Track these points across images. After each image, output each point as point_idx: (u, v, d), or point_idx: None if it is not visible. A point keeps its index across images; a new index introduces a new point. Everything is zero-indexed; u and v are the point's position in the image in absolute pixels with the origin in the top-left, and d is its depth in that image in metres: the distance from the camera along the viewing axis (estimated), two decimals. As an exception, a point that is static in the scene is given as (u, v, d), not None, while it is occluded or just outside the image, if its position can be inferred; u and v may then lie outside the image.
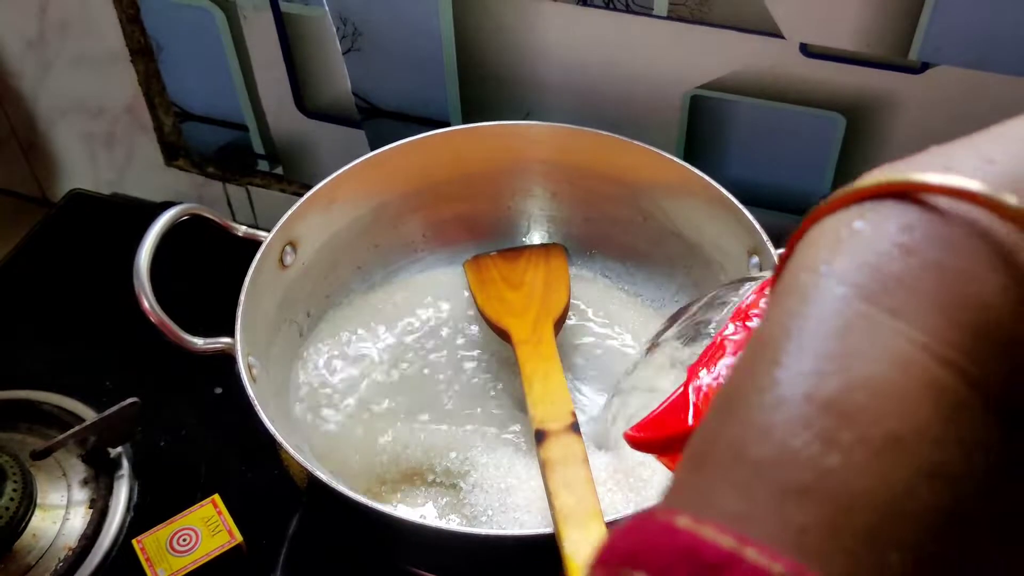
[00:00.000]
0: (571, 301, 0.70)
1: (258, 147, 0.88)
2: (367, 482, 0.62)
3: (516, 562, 0.53)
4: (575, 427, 0.56)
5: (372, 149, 0.81)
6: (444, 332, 0.70)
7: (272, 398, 0.59)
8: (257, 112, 0.85)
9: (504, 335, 0.66)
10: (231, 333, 0.59)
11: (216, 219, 0.63)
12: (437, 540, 0.52)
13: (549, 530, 0.50)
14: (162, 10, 0.80)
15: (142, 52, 0.85)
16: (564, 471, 0.53)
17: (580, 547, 0.48)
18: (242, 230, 0.64)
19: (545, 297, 0.69)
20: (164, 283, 0.61)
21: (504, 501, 0.61)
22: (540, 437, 0.56)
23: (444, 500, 0.61)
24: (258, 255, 0.62)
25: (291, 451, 0.54)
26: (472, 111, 0.77)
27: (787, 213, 0.73)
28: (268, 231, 0.65)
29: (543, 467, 0.54)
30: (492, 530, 0.58)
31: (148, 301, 0.58)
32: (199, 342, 0.58)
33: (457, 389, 0.67)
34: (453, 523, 0.59)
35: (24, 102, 0.93)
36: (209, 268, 0.80)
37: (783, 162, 0.71)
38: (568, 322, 0.70)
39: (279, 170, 0.89)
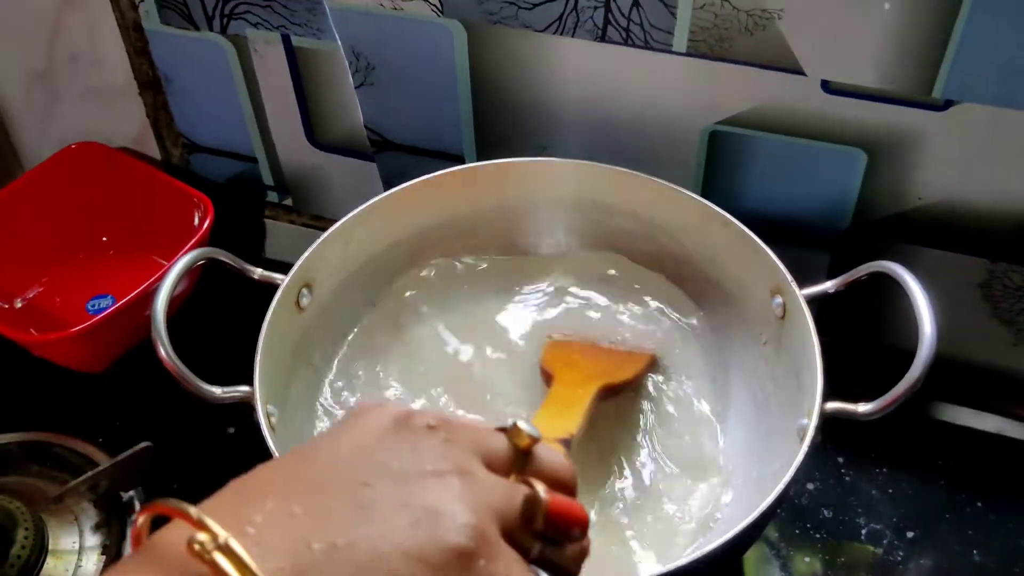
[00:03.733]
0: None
1: (267, 178, 0.87)
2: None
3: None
4: (566, 443, 0.54)
5: (384, 182, 0.81)
6: (463, 370, 0.69)
7: (290, 443, 0.58)
8: (267, 144, 0.84)
9: (549, 379, 0.64)
10: (248, 377, 0.58)
11: (232, 263, 0.62)
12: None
13: None
14: (171, 43, 0.79)
15: (150, 84, 0.84)
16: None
17: None
18: (258, 273, 0.63)
19: (608, 369, 0.65)
20: (178, 324, 0.60)
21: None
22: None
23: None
24: (275, 301, 0.61)
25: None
26: (487, 145, 0.76)
27: (807, 248, 0.72)
28: (279, 262, 0.64)
29: None
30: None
31: (165, 350, 0.56)
32: (217, 391, 0.57)
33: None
34: None
35: (32, 134, 0.92)
36: (224, 310, 0.79)
37: (803, 197, 0.70)
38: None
39: (288, 201, 0.88)
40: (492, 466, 0.36)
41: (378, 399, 0.35)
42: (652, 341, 0.69)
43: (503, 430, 0.37)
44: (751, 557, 0.67)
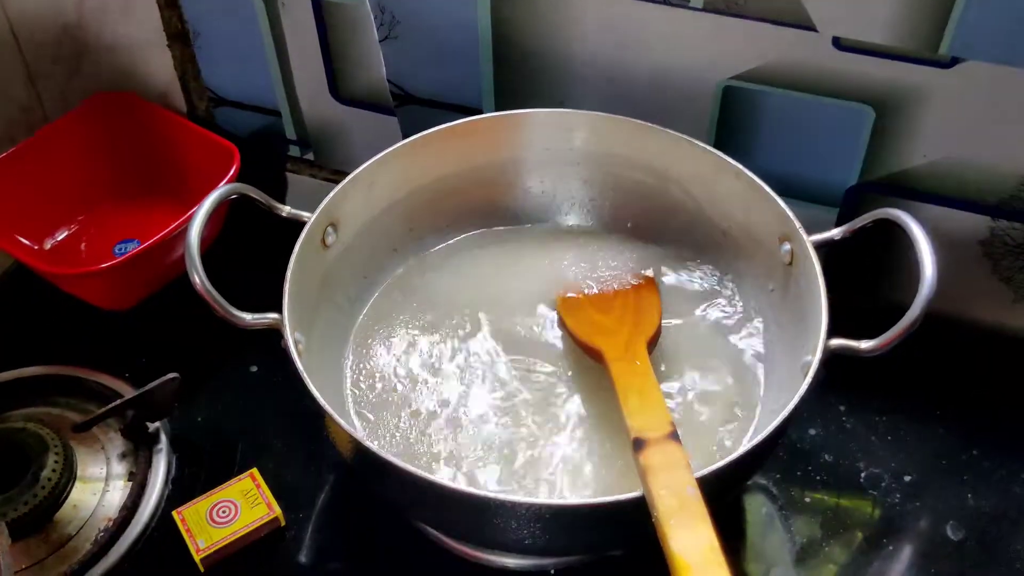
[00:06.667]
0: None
1: (290, 133, 0.89)
2: (406, 457, 0.64)
3: (559, 534, 0.55)
4: (675, 435, 0.55)
5: (404, 136, 0.83)
6: (480, 315, 0.71)
7: (315, 373, 0.60)
8: (291, 98, 0.86)
9: (596, 354, 0.65)
10: (274, 310, 0.61)
11: (261, 199, 0.65)
12: (496, 514, 0.53)
13: (610, 498, 0.51)
14: (201, -4, 0.82)
15: (179, 37, 0.86)
16: (666, 476, 0.52)
17: (688, 547, 0.48)
18: (286, 210, 0.65)
19: (636, 318, 0.68)
20: (205, 264, 0.62)
21: (545, 475, 0.62)
22: (639, 445, 0.55)
23: (486, 476, 0.62)
24: (303, 234, 0.64)
25: (340, 421, 0.55)
26: (505, 100, 0.79)
27: (813, 203, 0.75)
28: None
29: (643, 473, 0.53)
30: (558, 500, 0.58)
31: (199, 277, 0.59)
32: (247, 317, 0.59)
33: (494, 370, 0.68)
34: (512, 495, 0.59)
35: (59, 85, 0.94)
36: (247, 253, 0.82)
37: (812, 153, 0.73)
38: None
39: (310, 155, 0.90)
40: None
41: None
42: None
43: None
44: (754, 499, 0.69)
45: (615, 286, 0.72)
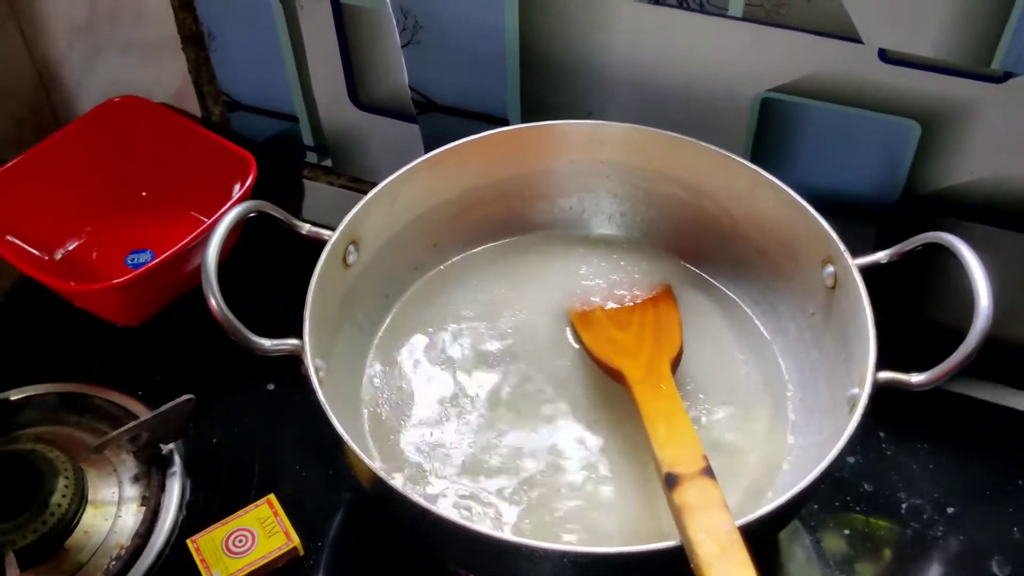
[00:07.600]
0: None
1: (307, 139, 0.87)
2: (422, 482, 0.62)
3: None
4: (709, 471, 0.53)
5: (426, 144, 0.80)
6: (505, 333, 0.69)
7: (334, 398, 0.58)
8: (308, 103, 0.84)
9: (617, 376, 0.63)
10: (293, 331, 0.58)
11: (281, 217, 0.62)
12: (525, 559, 0.51)
13: (648, 547, 0.49)
14: (217, -2, 0.79)
15: (193, 39, 0.83)
16: (703, 517, 0.50)
17: None
18: (306, 228, 0.63)
19: (657, 336, 0.65)
20: (222, 277, 0.60)
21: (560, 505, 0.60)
22: (672, 481, 0.53)
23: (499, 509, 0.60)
24: (323, 255, 0.61)
25: (362, 456, 0.53)
26: (532, 109, 0.76)
27: (853, 220, 0.72)
28: (320, 224, 0.64)
29: (678, 512, 0.51)
30: (570, 546, 0.55)
31: (216, 301, 0.56)
32: (267, 344, 0.57)
33: (517, 390, 0.66)
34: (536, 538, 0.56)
35: (69, 88, 0.92)
36: (263, 268, 0.79)
37: (853, 168, 0.70)
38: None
39: (327, 162, 0.88)
40: None
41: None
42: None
43: None
44: (791, 530, 0.67)
45: (631, 299, 0.70)
